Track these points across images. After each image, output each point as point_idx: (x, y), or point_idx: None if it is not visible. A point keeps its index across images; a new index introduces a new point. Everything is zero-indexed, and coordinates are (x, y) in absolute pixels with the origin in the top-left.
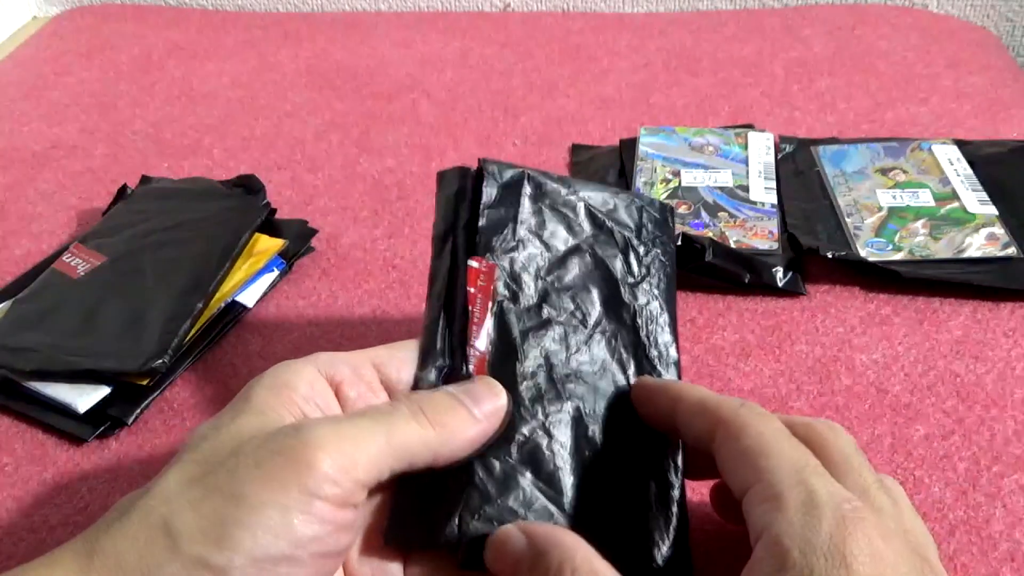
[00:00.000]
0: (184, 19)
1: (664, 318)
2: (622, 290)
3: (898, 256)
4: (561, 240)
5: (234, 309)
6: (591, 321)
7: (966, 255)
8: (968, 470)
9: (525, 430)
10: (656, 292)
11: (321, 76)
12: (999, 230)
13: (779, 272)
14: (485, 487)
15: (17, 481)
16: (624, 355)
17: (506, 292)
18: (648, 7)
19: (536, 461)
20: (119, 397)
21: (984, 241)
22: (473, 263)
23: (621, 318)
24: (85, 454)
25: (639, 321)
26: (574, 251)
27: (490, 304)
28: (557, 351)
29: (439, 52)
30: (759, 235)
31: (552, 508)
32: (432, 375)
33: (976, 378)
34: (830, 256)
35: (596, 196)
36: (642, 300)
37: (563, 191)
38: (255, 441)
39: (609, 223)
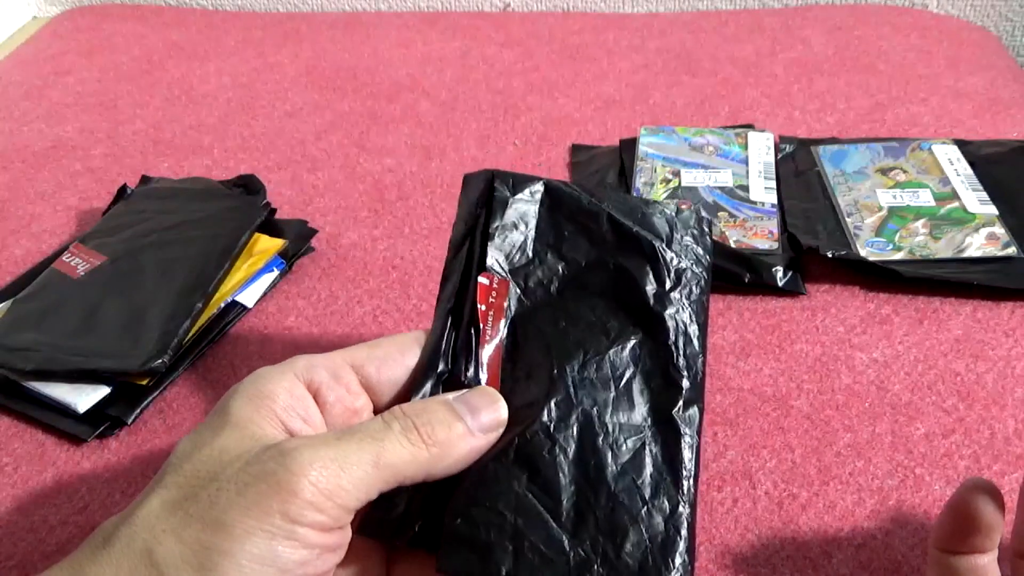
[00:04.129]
0: (184, 19)
1: (693, 329)
2: (649, 299)
3: (898, 256)
4: (582, 252)
5: (234, 309)
6: (613, 332)
7: (966, 255)
8: (969, 468)
9: (527, 432)
10: (686, 302)
11: (321, 76)
12: (999, 230)
13: (779, 272)
14: (474, 488)
15: (17, 481)
16: (649, 365)
17: (520, 308)
18: (648, 7)
19: (534, 465)
20: (119, 397)
21: (984, 241)
22: (483, 280)
23: (647, 328)
24: (85, 454)
25: (668, 330)
26: (596, 262)
27: (502, 321)
28: (573, 361)
29: (439, 52)
30: (759, 235)
31: (546, 515)
32: (434, 377)
33: (976, 377)
34: (830, 256)
35: (623, 205)
36: (671, 310)
37: (584, 201)
38: (236, 464)
39: (636, 229)
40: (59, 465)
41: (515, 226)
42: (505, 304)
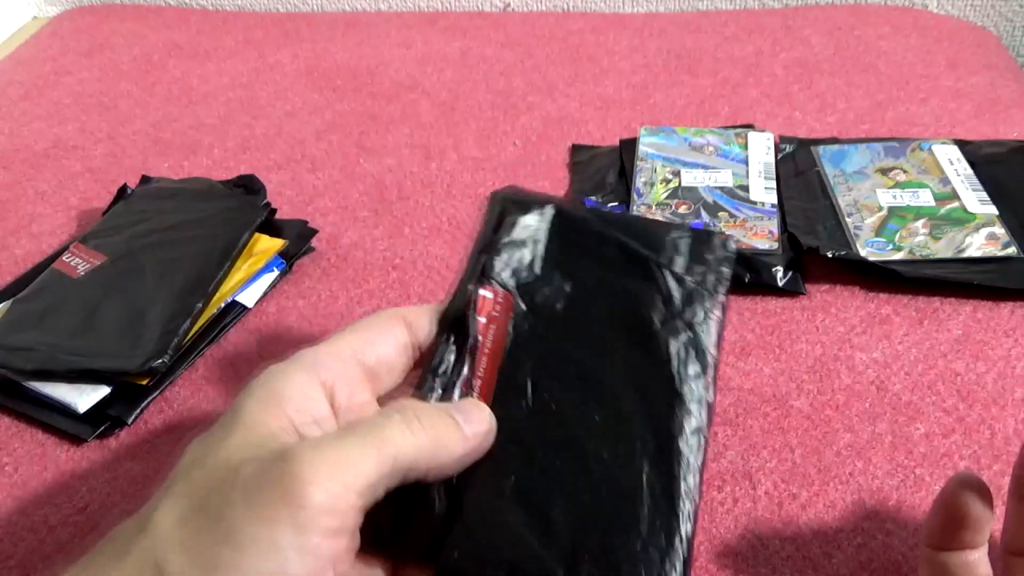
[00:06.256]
0: (184, 19)
1: (703, 350)
2: (654, 324)
3: (898, 256)
4: (589, 273)
5: (234, 309)
6: (616, 357)
7: (966, 255)
8: (968, 468)
9: (523, 468)
10: (695, 325)
11: (321, 76)
12: (999, 230)
13: (779, 272)
14: (472, 523)
15: (17, 481)
16: (651, 391)
17: (523, 325)
18: (648, 7)
19: (529, 501)
20: (119, 397)
21: (984, 241)
22: (487, 293)
23: (651, 354)
24: (85, 454)
25: (671, 357)
26: (603, 284)
27: (505, 335)
28: (572, 387)
29: (439, 52)
30: (759, 235)
31: (542, 552)
32: (436, 384)
33: (976, 377)
34: (830, 256)
35: (634, 227)
36: (676, 335)
37: (594, 224)
38: (244, 471)
39: (645, 253)
40: (59, 465)
41: (524, 244)
42: (508, 318)
